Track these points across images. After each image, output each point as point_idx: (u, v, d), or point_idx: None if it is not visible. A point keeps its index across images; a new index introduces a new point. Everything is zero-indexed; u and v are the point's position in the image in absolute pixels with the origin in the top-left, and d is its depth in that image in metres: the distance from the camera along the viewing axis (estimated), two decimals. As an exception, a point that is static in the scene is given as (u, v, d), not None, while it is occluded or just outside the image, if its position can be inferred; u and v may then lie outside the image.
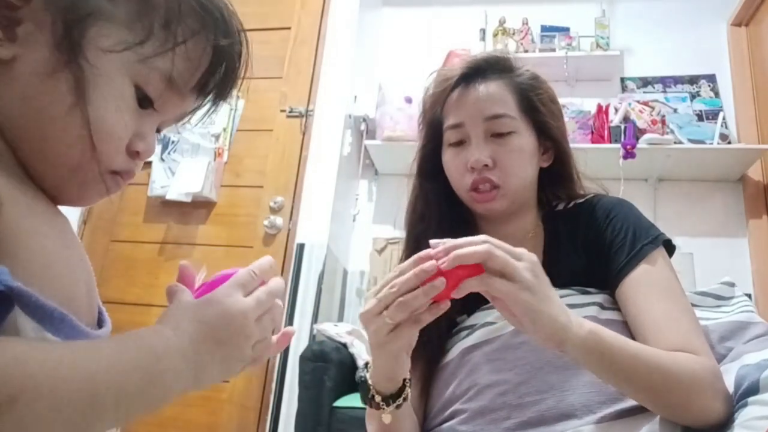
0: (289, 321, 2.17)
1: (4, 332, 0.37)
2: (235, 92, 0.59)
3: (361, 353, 1.93)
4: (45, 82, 0.45)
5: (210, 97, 0.56)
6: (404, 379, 0.79)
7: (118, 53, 0.47)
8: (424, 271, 0.64)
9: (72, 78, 0.45)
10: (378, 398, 0.78)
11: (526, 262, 0.66)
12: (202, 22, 0.52)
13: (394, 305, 0.65)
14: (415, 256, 0.66)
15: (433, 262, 0.64)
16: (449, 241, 0.65)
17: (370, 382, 0.78)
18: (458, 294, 0.65)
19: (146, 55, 0.49)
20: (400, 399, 0.78)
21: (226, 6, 0.55)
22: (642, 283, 0.82)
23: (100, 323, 0.51)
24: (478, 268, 0.64)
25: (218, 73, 0.54)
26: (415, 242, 0.96)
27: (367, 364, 0.80)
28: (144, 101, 0.51)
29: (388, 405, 0.78)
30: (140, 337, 0.43)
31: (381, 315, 0.67)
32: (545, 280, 0.68)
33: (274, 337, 0.57)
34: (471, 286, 0.64)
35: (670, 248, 0.88)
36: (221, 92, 0.56)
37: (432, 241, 0.66)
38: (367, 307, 0.69)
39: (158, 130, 0.56)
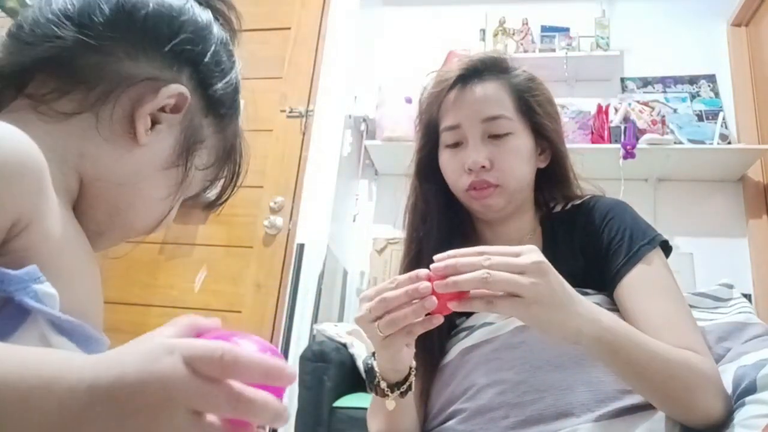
0: (289, 321, 2.16)
1: (28, 336, 0.41)
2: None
3: (361, 353, 1.93)
4: (157, 172, 0.57)
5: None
6: (410, 368, 0.80)
7: (201, 171, 0.62)
8: (417, 290, 0.65)
9: (177, 179, 0.59)
10: (384, 384, 0.79)
11: (529, 264, 0.64)
12: (239, 153, 0.69)
13: (384, 321, 0.67)
14: (412, 273, 0.66)
15: (428, 284, 0.65)
16: (449, 261, 0.65)
17: (376, 369, 0.80)
18: (460, 309, 0.66)
19: (209, 178, 0.65)
20: (405, 386, 0.80)
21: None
22: (639, 284, 0.83)
23: None
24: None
25: (231, 184, 0.70)
26: (418, 244, 0.96)
27: (374, 352, 0.81)
28: None
29: (393, 392, 0.79)
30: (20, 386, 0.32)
31: (373, 324, 0.69)
32: (554, 279, 0.66)
33: None
34: (477, 307, 0.65)
35: (667, 249, 0.88)
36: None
37: (436, 257, 0.66)
38: (360, 314, 0.71)
39: None
